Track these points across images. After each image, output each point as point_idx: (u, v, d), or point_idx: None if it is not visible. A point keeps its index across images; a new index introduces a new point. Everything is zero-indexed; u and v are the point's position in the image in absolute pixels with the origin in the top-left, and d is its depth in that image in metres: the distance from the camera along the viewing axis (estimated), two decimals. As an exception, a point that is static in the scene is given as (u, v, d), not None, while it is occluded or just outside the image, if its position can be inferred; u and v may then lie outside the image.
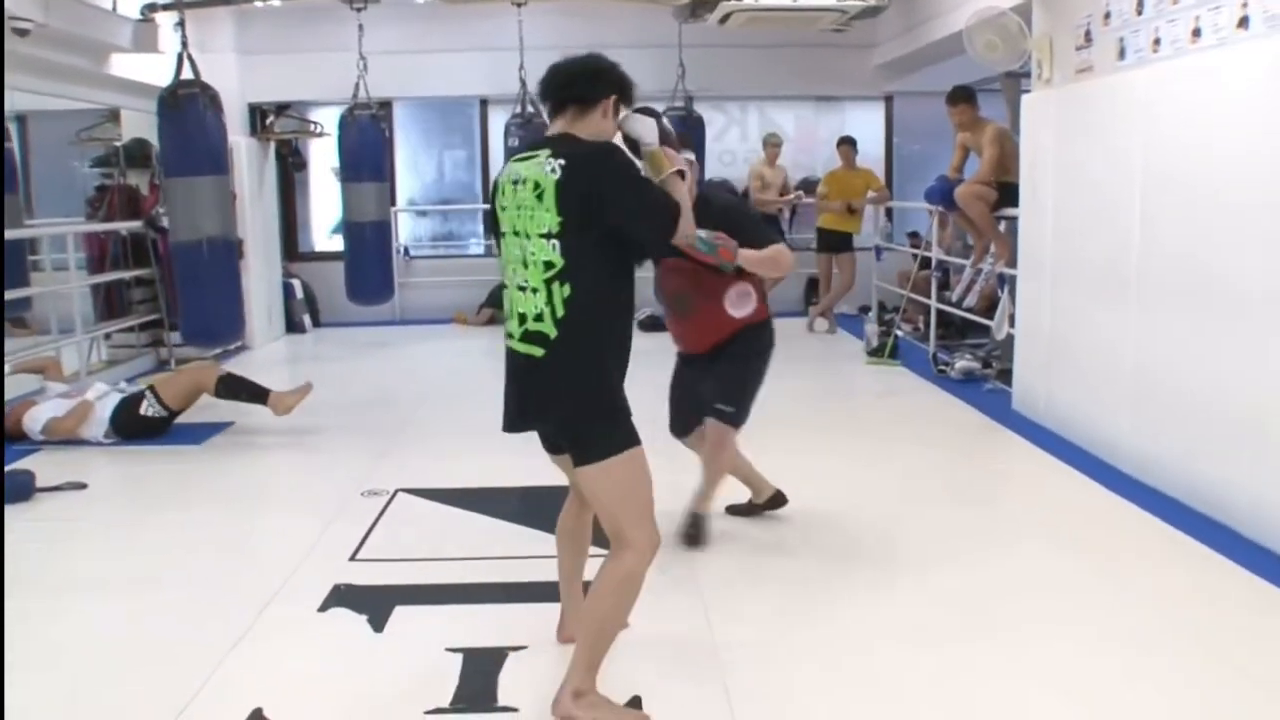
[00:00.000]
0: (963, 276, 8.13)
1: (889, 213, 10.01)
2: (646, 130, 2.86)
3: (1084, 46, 5.44)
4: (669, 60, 9.04)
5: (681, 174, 2.85)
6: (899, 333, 8.33)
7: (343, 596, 3.70)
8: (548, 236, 2.62)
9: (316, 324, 10.26)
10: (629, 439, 2.73)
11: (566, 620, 3.25)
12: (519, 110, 8.63)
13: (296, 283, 10.09)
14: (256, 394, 6.09)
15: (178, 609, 3.65)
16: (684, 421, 4.23)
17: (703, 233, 3.34)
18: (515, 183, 2.70)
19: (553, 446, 2.89)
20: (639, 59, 9.48)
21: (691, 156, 3.49)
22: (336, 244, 10.40)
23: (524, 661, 3.18)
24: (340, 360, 8.81)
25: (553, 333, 2.65)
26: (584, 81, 2.75)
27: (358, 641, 3.38)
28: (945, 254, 8.34)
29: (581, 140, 2.71)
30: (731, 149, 10.98)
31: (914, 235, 10.09)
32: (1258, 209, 4.04)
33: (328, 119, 9.68)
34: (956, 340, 8.51)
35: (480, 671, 3.11)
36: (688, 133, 8.68)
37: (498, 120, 10.31)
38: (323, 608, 3.62)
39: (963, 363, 7.23)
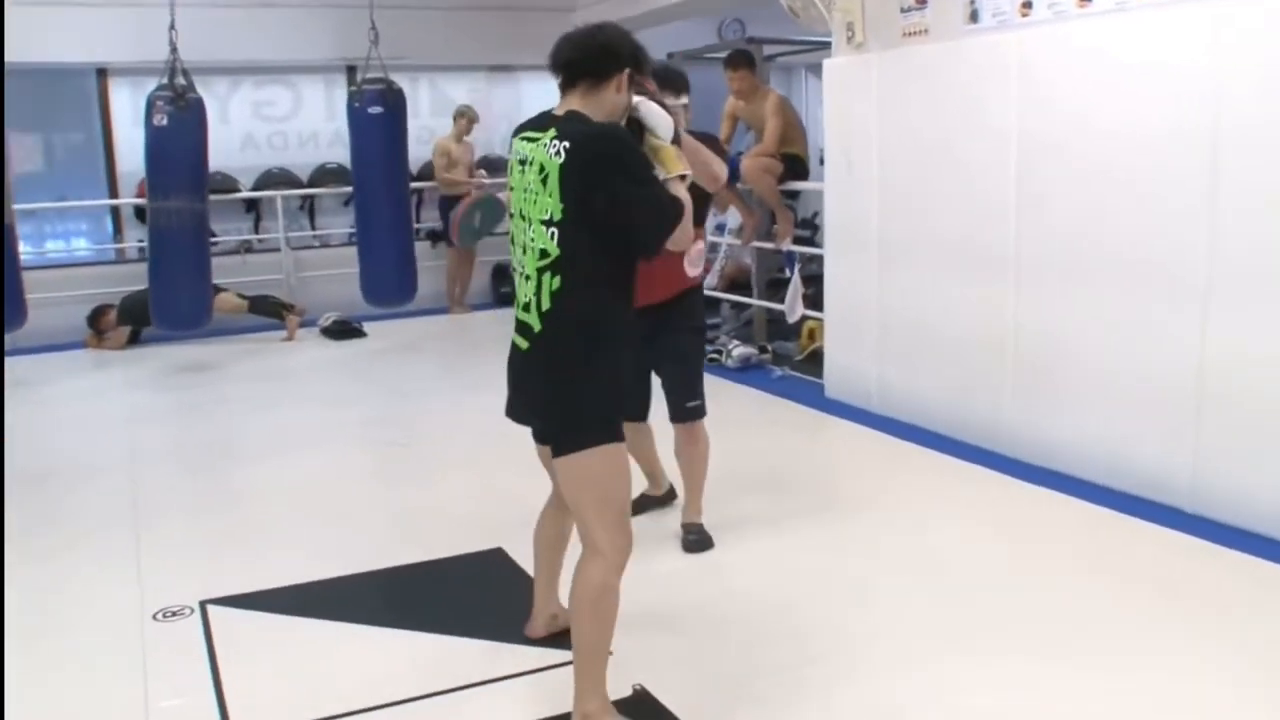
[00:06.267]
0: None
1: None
2: (661, 124, 2.73)
3: (914, 9, 5.11)
4: (342, 22, 7.76)
5: (684, 177, 2.71)
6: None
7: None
8: (548, 224, 2.50)
9: (-104, 363, 7.78)
10: (609, 434, 2.56)
11: (540, 616, 3.15)
12: (167, 81, 6.90)
13: None
14: None
15: None
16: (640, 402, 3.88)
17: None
18: (522, 163, 2.59)
19: (541, 437, 2.74)
20: (305, 20, 8.29)
21: (686, 100, 3.63)
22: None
23: None
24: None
25: (537, 326, 2.55)
26: (597, 55, 2.62)
27: None
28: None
29: (590, 121, 2.55)
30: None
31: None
32: (1149, 181, 4.03)
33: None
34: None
35: None
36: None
37: (122, 96, 8.41)
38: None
39: (740, 350, 6.75)
